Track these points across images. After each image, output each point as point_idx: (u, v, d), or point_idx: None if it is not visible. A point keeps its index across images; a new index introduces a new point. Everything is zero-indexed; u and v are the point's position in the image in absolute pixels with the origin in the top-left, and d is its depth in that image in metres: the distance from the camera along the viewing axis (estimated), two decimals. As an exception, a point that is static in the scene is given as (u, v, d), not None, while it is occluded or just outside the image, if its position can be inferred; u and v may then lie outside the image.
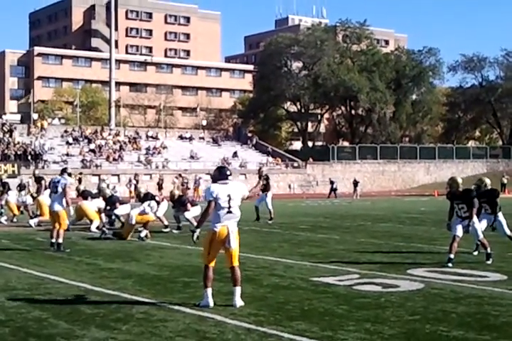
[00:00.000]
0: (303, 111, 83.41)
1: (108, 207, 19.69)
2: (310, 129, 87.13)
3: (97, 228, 19.03)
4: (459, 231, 11.80)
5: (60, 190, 14.65)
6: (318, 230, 19.47)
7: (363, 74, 78.50)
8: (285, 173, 62.90)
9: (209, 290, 8.23)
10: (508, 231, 12.46)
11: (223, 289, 9.38)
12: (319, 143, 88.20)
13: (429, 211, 29.93)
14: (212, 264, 8.32)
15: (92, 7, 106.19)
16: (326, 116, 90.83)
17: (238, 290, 8.22)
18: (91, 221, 19.31)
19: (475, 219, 11.92)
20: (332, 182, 53.01)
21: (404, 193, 59.08)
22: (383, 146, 73.36)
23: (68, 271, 11.34)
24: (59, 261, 12.64)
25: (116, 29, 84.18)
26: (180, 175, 49.56)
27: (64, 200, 14.58)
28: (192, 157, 60.69)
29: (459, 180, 12.16)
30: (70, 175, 15.77)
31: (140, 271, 11.25)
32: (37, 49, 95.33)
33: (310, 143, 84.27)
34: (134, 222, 16.93)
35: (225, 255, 8.30)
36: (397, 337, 6.72)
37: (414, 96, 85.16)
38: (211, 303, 8.16)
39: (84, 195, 20.52)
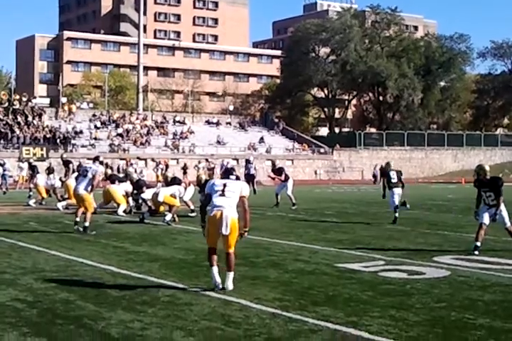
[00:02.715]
0: (330, 97, 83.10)
1: (135, 191, 19.84)
2: (337, 115, 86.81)
3: (124, 211, 19.21)
4: (486, 219, 11.73)
5: (89, 175, 14.89)
6: (345, 216, 19.44)
7: (391, 61, 77.93)
8: (311, 159, 62.81)
9: (214, 268, 8.36)
10: (508, 224, 12.12)
11: (248, 273, 9.42)
12: (346, 130, 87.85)
13: (456, 198, 29.74)
14: (214, 246, 8.48)
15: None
16: (354, 102, 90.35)
17: (231, 275, 8.34)
18: (118, 204, 19.48)
19: (502, 206, 11.83)
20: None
21: (431, 180, 58.75)
22: (410, 133, 72.88)
23: (95, 253, 11.45)
24: (86, 244, 12.75)
25: (144, 14, 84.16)
26: (207, 159, 49.67)
27: (90, 185, 14.82)
28: (218, 142, 60.76)
29: (487, 168, 12.06)
30: (101, 163, 16.03)
31: (166, 255, 11.32)
32: (66, 33, 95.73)
33: (337, 130, 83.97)
34: (161, 200, 17.30)
35: (222, 240, 8.42)
36: (422, 324, 6.70)
37: (442, 83, 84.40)
38: (218, 280, 8.28)
39: (111, 179, 20.70)
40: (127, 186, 20.28)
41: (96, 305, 7.40)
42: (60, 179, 23.44)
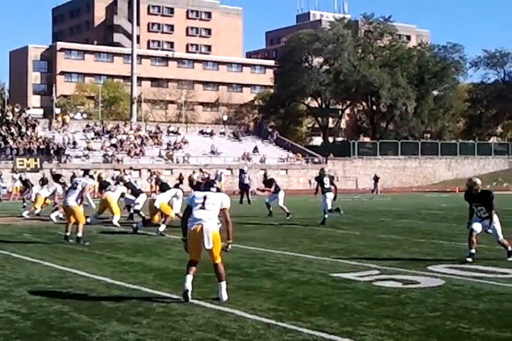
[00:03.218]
0: (324, 106, 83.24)
1: (130, 192, 19.95)
2: (331, 125, 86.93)
3: (119, 222, 19.20)
4: (477, 226, 11.82)
5: (79, 187, 15.14)
6: (339, 226, 19.44)
7: (384, 70, 78.15)
8: (305, 169, 62.80)
9: (188, 277, 8.31)
10: (500, 237, 12.00)
11: (242, 284, 9.42)
12: (340, 139, 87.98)
13: (450, 207, 29.75)
14: (196, 259, 8.49)
15: (114, 2, 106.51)
16: (347, 111, 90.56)
17: (223, 284, 8.32)
18: (113, 214, 19.44)
19: (495, 219, 11.88)
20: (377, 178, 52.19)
21: (425, 189, 58.82)
22: (404, 142, 73.03)
23: (89, 264, 11.42)
24: (80, 255, 12.72)
25: (138, 24, 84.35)
26: (201, 170, 49.64)
27: (79, 198, 15.06)
28: (213, 152, 60.76)
29: (479, 182, 12.07)
30: (91, 177, 16.24)
31: (161, 266, 11.31)
32: (59, 44, 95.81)
33: (331, 139, 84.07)
34: (158, 206, 17.41)
35: (207, 252, 8.40)
36: (417, 334, 6.70)
37: (436, 92, 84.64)
38: (188, 287, 8.22)
39: (105, 185, 20.74)
40: (123, 188, 20.34)
41: (90, 317, 7.38)
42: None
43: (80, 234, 14.59)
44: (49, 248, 13.95)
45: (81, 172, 25.78)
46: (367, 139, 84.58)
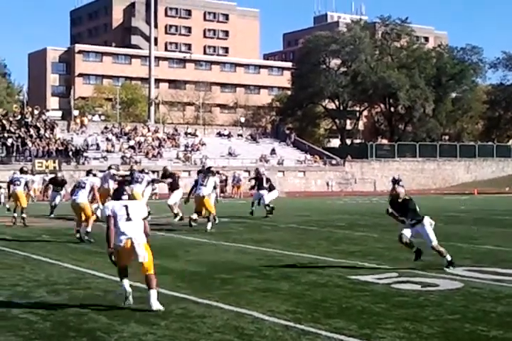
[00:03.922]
0: (341, 108, 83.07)
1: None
2: (348, 127, 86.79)
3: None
4: (406, 231, 11.45)
5: (88, 187, 15.81)
6: (357, 228, 19.39)
7: (402, 72, 77.90)
8: (323, 171, 62.73)
9: (125, 281, 8.16)
10: (433, 243, 11.42)
11: (260, 286, 9.42)
12: (357, 141, 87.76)
13: (469, 209, 29.62)
14: (126, 265, 8.30)
15: (132, 5, 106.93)
16: (365, 113, 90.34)
17: (153, 293, 7.92)
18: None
19: (426, 223, 11.44)
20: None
21: (444, 191, 58.54)
22: (422, 144, 72.75)
23: (107, 266, 11.39)
24: (98, 256, 12.76)
25: (155, 26, 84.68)
26: (218, 172, 49.72)
27: (88, 195, 15.85)
28: (230, 154, 60.81)
29: (402, 191, 11.86)
30: (95, 175, 16.77)
31: (179, 267, 11.33)
32: (78, 46, 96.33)
33: (348, 141, 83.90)
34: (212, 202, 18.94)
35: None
36: (436, 337, 6.67)
37: (454, 94, 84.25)
38: (128, 290, 8.08)
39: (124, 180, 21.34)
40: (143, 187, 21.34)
41: (109, 318, 7.40)
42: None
43: (89, 229, 15.28)
44: (68, 249, 14.03)
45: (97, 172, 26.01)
46: (385, 141, 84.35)
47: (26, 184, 21.18)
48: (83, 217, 15.45)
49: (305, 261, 12.04)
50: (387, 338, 6.58)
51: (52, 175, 25.75)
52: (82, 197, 15.67)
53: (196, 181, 18.85)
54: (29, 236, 16.79)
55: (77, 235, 15.36)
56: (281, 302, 8.22)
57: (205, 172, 19.32)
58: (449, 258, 11.26)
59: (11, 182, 20.77)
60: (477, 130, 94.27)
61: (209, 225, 17.72)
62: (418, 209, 11.65)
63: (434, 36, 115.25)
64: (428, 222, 11.48)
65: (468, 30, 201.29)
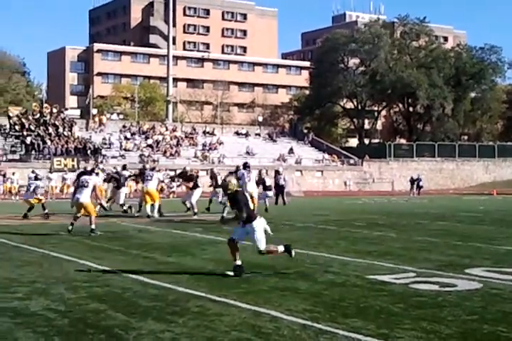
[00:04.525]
0: (359, 107, 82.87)
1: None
2: (367, 126, 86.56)
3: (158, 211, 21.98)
4: (236, 233, 10.55)
5: (90, 186, 16.54)
6: (375, 228, 19.31)
7: (421, 71, 77.57)
8: (341, 170, 62.62)
9: None
10: (262, 248, 10.33)
11: (278, 285, 9.40)
12: (376, 141, 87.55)
13: (488, 210, 29.44)
14: None
15: (151, 4, 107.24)
16: (383, 113, 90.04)
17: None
18: (152, 203, 21.90)
19: (255, 226, 10.27)
20: (417, 180, 51.75)
21: (463, 192, 58.25)
22: (441, 144, 72.43)
23: (126, 263, 11.49)
24: (116, 254, 12.81)
25: (174, 26, 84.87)
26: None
27: (91, 193, 16.70)
28: (248, 153, 60.83)
29: (234, 182, 10.86)
30: (97, 174, 17.47)
31: (196, 265, 11.34)
32: (96, 45, 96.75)
33: (366, 141, 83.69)
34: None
35: None
36: (454, 337, 6.62)
37: (473, 94, 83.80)
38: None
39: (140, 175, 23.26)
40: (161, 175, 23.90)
41: (126, 315, 7.41)
42: None
43: (93, 226, 16.20)
44: (85, 246, 14.09)
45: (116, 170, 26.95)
46: (403, 141, 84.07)
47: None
48: (82, 213, 16.65)
49: (323, 261, 12.00)
50: (405, 338, 6.54)
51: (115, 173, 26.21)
52: (85, 196, 16.54)
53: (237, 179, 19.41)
54: (48, 233, 16.88)
55: (70, 227, 16.37)
56: (299, 302, 8.20)
57: (246, 168, 21.09)
58: (282, 248, 10.47)
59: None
60: (496, 130, 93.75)
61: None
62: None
63: (453, 35, 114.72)
64: (259, 224, 10.29)
65: (487, 29, 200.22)
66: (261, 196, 24.52)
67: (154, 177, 22.36)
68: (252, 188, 20.11)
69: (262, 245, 10.27)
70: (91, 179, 16.80)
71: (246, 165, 20.97)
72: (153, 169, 23.34)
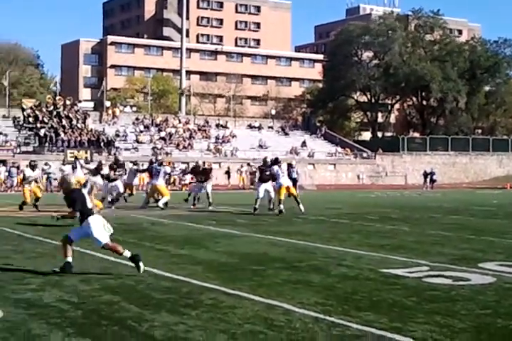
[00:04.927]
0: (373, 101, 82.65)
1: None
2: (380, 119, 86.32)
3: (165, 204, 22.12)
4: (73, 233, 10.10)
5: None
6: (388, 221, 19.27)
7: (435, 64, 77.24)
8: (354, 164, 62.53)
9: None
10: (103, 242, 9.70)
11: (291, 278, 9.40)
12: (389, 134, 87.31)
13: (502, 204, 29.33)
14: None
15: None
16: (397, 106, 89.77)
17: None
18: (162, 196, 22.44)
19: (91, 221, 9.75)
20: (430, 173, 51.47)
21: (476, 185, 58.04)
22: (455, 138, 72.15)
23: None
24: (130, 246, 12.78)
25: (187, 18, 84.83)
26: (248, 164, 49.84)
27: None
28: (260, 146, 60.83)
29: (68, 180, 10.20)
30: (103, 176, 17.58)
31: (209, 258, 11.35)
32: (110, 38, 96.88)
33: (379, 134, 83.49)
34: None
35: None
36: (467, 331, 6.61)
37: (487, 88, 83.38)
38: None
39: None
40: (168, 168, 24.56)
41: (140, 307, 7.44)
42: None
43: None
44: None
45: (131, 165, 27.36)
46: (416, 134, 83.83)
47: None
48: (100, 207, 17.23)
49: (336, 254, 11.99)
50: (418, 332, 6.53)
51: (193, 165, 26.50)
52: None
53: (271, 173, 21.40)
54: (61, 225, 16.91)
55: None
56: (312, 295, 8.19)
57: (277, 163, 21.76)
58: (128, 254, 9.64)
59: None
60: (511, 124, 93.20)
61: (302, 207, 20.81)
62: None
63: (468, 29, 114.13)
64: (94, 220, 9.71)
65: (501, 22, 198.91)
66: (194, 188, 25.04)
67: (161, 173, 22.87)
68: (286, 181, 21.27)
69: (102, 239, 9.62)
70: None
71: (277, 161, 21.95)
72: (160, 164, 23.58)
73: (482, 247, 13.22)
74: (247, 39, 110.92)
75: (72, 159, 32.31)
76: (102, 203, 20.96)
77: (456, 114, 78.50)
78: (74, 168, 26.80)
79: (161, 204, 22.23)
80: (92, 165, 24.62)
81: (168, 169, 25.24)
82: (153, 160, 25.07)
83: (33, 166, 21.73)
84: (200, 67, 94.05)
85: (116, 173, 22.36)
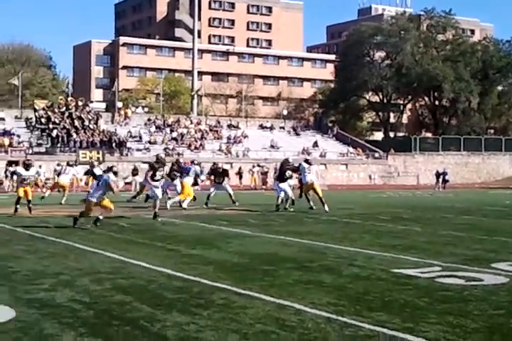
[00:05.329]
0: (385, 101, 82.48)
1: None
2: (392, 120, 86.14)
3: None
4: None
5: (101, 184, 16.76)
6: (400, 221, 19.21)
7: (447, 64, 77.01)
8: (366, 164, 62.40)
9: None
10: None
11: (302, 278, 9.38)
12: (401, 134, 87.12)
13: (514, 204, 29.17)
14: None
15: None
16: (409, 106, 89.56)
17: None
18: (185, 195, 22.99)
19: None
20: (443, 173, 51.13)
21: (489, 186, 57.80)
22: (467, 138, 71.89)
23: (150, 256, 11.53)
24: (141, 246, 12.86)
25: (199, 19, 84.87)
26: (258, 164, 49.86)
27: (104, 194, 16.70)
28: (272, 146, 60.81)
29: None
30: (115, 173, 17.39)
31: (220, 258, 11.34)
32: (122, 39, 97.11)
33: (392, 134, 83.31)
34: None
35: None
36: (480, 331, 6.57)
37: (500, 88, 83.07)
38: None
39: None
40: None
41: (151, 307, 7.44)
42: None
43: (101, 217, 16.60)
44: (111, 239, 14.15)
45: (142, 165, 27.44)
46: (429, 134, 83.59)
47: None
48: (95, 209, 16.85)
49: (347, 254, 11.96)
50: (431, 332, 6.50)
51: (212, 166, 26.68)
52: (98, 196, 16.97)
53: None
54: (73, 226, 16.96)
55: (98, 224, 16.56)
56: (324, 295, 8.17)
57: (307, 163, 22.74)
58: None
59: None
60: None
61: (326, 207, 21.34)
62: None
63: (480, 28, 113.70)
64: None
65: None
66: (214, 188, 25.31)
67: (192, 171, 23.59)
68: (312, 178, 22.22)
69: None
70: (103, 177, 17.24)
71: (308, 162, 23.10)
72: (192, 162, 24.67)
73: (494, 247, 13.16)
74: (259, 40, 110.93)
75: (89, 161, 33.21)
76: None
77: (468, 114, 78.24)
78: (60, 173, 27.56)
79: (185, 205, 22.51)
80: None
81: (198, 168, 25.37)
82: (179, 161, 25.16)
83: (27, 165, 21.09)
84: (212, 68, 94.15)
85: (177, 174, 22.95)
